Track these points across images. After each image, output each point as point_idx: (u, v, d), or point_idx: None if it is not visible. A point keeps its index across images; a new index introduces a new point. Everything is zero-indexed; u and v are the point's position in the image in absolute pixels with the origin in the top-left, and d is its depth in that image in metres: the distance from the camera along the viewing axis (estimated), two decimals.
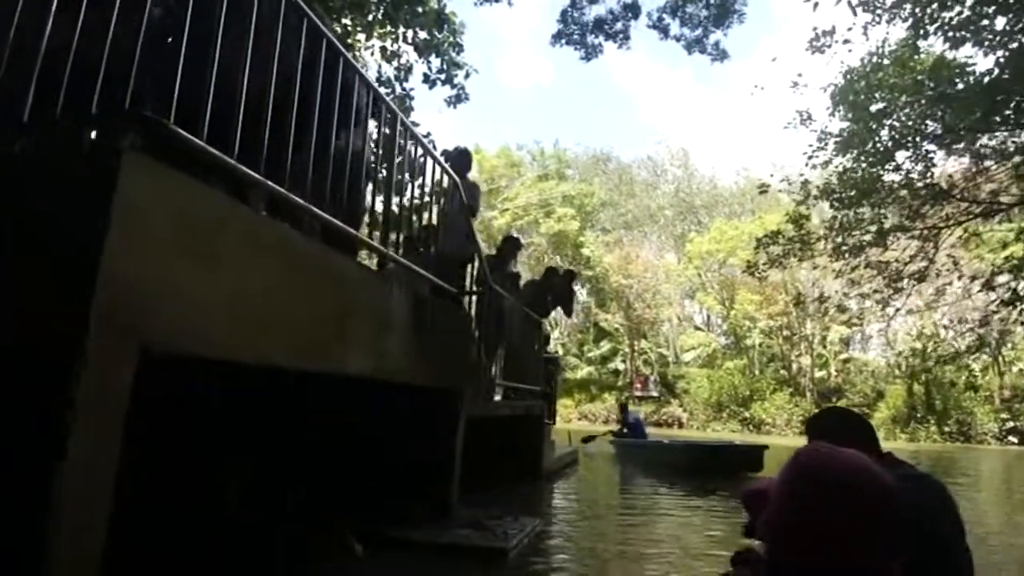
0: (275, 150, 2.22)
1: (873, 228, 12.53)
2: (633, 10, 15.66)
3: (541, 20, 69.22)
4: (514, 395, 6.40)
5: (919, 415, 26.82)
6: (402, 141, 3.54)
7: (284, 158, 2.32)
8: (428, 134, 10.45)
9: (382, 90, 5.93)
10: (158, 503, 2.73)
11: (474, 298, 5.04)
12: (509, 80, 67.21)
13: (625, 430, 11.59)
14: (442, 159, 4.67)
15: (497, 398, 5.69)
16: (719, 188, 39.79)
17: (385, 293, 3.12)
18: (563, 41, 15.59)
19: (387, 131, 3.57)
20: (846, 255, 12.83)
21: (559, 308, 7.65)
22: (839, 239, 12.59)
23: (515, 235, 7.17)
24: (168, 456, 2.84)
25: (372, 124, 3.70)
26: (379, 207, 3.47)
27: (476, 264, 4.82)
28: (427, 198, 4.08)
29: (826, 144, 12.47)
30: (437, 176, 3.97)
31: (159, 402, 2.16)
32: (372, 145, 3.82)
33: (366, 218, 3.48)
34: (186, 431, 3.05)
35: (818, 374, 30.12)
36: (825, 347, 30.86)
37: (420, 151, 3.92)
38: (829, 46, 12.74)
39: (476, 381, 4.41)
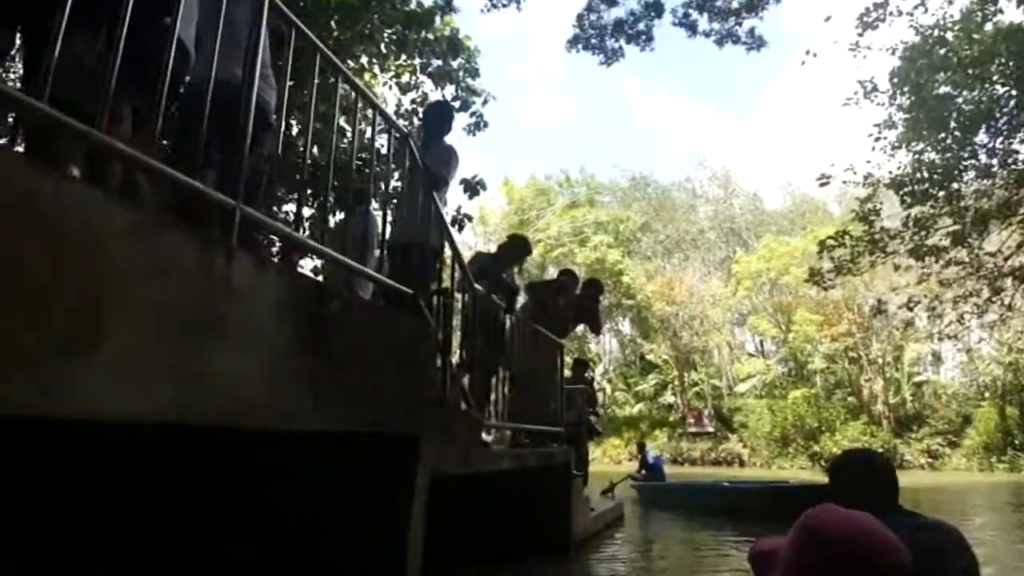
0: None
1: (952, 223, 10.70)
2: (656, 8, 14.44)
3: (562, 64, 69.63)
4: (527, 438, 4.90)
5: (1017, 442, 23.65)
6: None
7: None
8: None
9: (400, 122, 4.83)
10: None
11: (457, 305, 3.66)
12: (533, 121, 67.18)
13: (643, 471, 10.48)
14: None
15: (491, 439, 4.22)
16: (763, 207, 37.78)
17: (244, 286, 1.77)
18: (580, 46, 14.48)
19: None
20: (925, 256, 10.95)
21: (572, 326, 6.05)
22: (917, 237, 10.74)
23: (522, 235, 5.55)
24: None
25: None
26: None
27: (451, 259, 3.44)
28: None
29: (892, 128, 10.80)
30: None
31: None
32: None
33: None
34: None
35: (892, 400, 27.22)
36: (898, 369, 27.98)
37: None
38: (882, 19, 11.19)
39: (448, 422, 2.97)
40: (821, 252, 10.57)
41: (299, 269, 4.55)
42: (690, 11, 14.28)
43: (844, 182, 10.69)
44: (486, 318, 3.76)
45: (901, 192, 10.93)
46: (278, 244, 3.96)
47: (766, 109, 64.87)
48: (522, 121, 65.32)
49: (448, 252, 3.34)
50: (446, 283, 3.44)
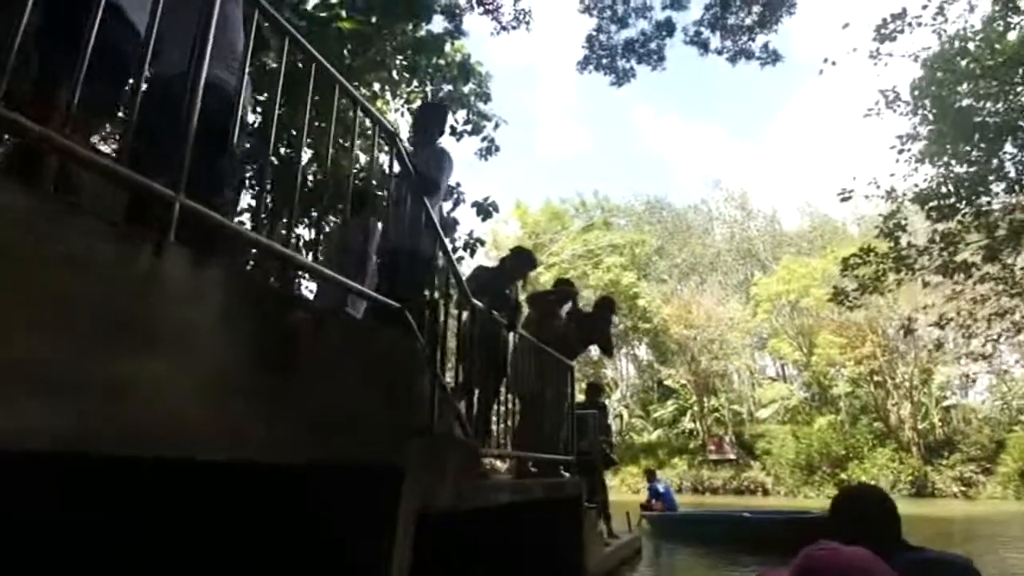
0: None
1: (982, 238, 10.23)
2: (667, 28, 14.34)
3: (574, 94, 70.29)
4: (535, 468, 4.54)
5: None
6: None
7: None
8: (459, 193, 9.43)
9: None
10: None
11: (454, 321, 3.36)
12: (546, 150, 67.60)
13: (653, 501, 9.95)
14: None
15: (505, 466, 3.88)
16: (781, 228, 37.24)
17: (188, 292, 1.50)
18: (591, 67, 14.39)
19: None
20: (955, 273, 10.47)
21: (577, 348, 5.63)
22: (945, 253, 10.27)
23: (527, 249, 5.07)
24: None
25: None
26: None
27: (445, 269, 3.14)
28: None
29: (916, 140, 10.42)
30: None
31: None
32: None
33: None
34: None
35: (920, 425, 26.20)
36: (926, 393, 27.00)
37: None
38: (901, 31, 10.89)
39: (439, 452, 2.65)
40: (845, 271, 10.14)
41: (300, 290, 4.30)
42: (702, 29, 14.20)
43: (867, 197, 10.32)
44: (486, 336, 3.44)
45: (927, 207, 10.52)
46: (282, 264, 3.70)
47: (780, 132, 64.83)
48: (535, 150, 65.93)
49: (441, 261, 3.04)
50: (441, 295, 3.15)
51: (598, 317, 5.54)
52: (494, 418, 4.01)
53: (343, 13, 8.28)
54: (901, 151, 10.28)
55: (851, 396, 28.06)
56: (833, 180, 62.85)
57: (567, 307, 5.31)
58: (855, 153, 53.22)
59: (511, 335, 3.93)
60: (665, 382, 32.01)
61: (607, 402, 8.93)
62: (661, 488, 10.33)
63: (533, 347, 4.33)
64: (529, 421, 4.29)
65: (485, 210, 9.86)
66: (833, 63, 10.10)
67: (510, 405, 4.04)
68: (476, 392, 3.47)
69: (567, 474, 4.96)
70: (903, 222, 10.00)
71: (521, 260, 4.76)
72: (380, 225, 3.42)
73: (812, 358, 27.39)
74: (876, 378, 26.91)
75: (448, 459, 2.70)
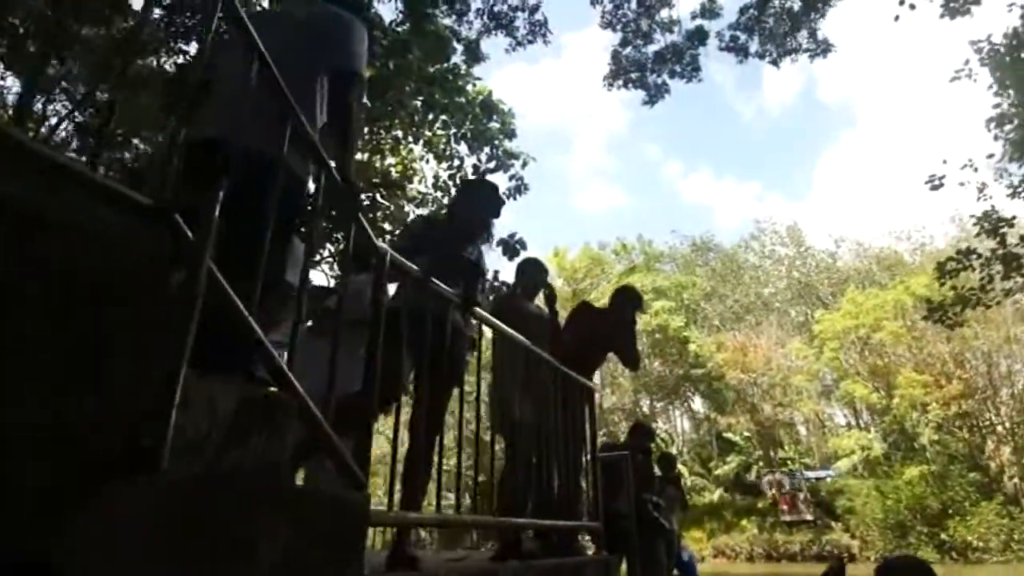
0: None
1: None
2: (699, 36, 13.25)
3: (605, 156, 70.50)
4: (538, 538, 2.98)
5: None
6: None
7: None
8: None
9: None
10: None
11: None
12: (581, 208, 67.09)
13: (676, 572, 8.11)
14: None
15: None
16: (840, 264, 34.64)
17: None
18: (618, 83, 13.28)
19: None
20: None
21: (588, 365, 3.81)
22: None
23: (489, 182, 3.32)
24: None
25: None
26: None
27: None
28: None
29: (1007, 123, 8.68)
30: None
31: None
32: None
33: None
34: None
35: None
36: None
37: None
38: (976, 2, 9.34)
39: (199, 515, 1.21)
40: (941, 278, 8.24)
41: None
42: (738, 34, 12.99)
43: (961, 184, 8.48)
44: (418, 319, 2.00)
45: None
46: None
47: (821, 180, 62.74)
48: (570, 209, 65.72)
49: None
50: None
51: (616, 313, 3.92)
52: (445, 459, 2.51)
53: None
54: (996, 137, 8.51)
55: (937, 444, 24.79)
56: (884, 218, 59.91)
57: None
58: (909, 182, 50.59)
59: (467, 321, 2.45)
60: (725, 434, 29.22)
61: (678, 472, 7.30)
62: (685, 557, 8.40)
63: (526, 355, 2.83)
64: (520, 468, 2.76)
65: (512, 248, 8.93)
66: (912, 6, 8.49)
67: (497, 446, 2.56)
68: (391, 408, 2.00)
69: (592, 549, 3.35)
70: (1011, 218, 8.13)
71: (483, 197, 2.93)
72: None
73: (894, 400, 24.33)
74: (970, 422, 23.72)
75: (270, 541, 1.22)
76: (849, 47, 62.18)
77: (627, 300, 3.96)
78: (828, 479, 26.12)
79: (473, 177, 9.43)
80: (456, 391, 2.50)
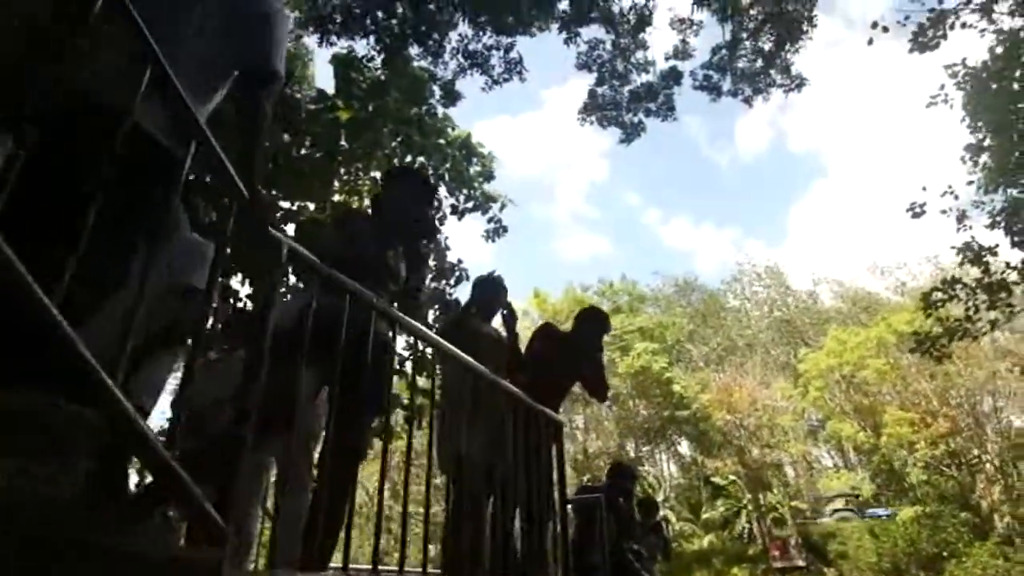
0: None
1: None
2: (674, 77, 13.43)
3: (585, 205, 71.26)
4: None
5: None
6: None
7: None
8: (461, 270, 8.67)
9: None
10: None
11: None
12: (564, 256, 67.63)
13: None
14: None
15: None
16: (820, 305, 34.81)
17: None
18: (592, 118, 13.34)
19: None
20: None
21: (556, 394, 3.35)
22: None
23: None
24: None
25: None
26: None
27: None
28: None
29: (983, 151, 8.68)
30: None
31: None
32: None
33: None
34: None
35: (1022, 510, 22.26)
36: (1019, 475, 23.25)
37: None
38: (943, 36, 9.49)
39: None
40: (927, 311, 8.04)
41: None
42: (711, 73, 13.15)
43: (943, 211, 8.37)
44: (328, 326, 1.65)
45: (1011, 232, 8.61)
46: None
47: (796, 225, 64.16)
48: (552, 256, 66.11)
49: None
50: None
51: (581, 336, 3.53)
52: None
53: (339, 103, 8.42)
54: (975, 163, 8.48)
55: (925, 484, 24.35)
56: (861, 257, 60.96)
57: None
58: (886, 223, 51.61)
59: (392, 331, 2.06)
60: (712, 478, 28.54)
61: (660, 518, 6.79)
62: None
63: (474, 380, 2.47)
64: (467, 512, 2.36)
65: (454, 274, 8.84)
66: (884, 28, 8.57)
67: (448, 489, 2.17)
68: (281, 437, 1.62)
69: None
70: (993, 245, 8.01)
71: (407, 186, 2.52)
72: None
73: (882, 439, 23.94)
74: (957, 460, 23.39)
75: None
76: (815, 99, 64.56)
77: (593, 323, 3.60)
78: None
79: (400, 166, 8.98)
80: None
